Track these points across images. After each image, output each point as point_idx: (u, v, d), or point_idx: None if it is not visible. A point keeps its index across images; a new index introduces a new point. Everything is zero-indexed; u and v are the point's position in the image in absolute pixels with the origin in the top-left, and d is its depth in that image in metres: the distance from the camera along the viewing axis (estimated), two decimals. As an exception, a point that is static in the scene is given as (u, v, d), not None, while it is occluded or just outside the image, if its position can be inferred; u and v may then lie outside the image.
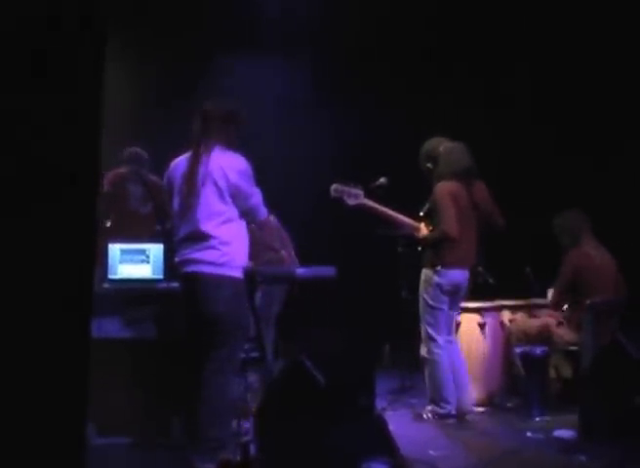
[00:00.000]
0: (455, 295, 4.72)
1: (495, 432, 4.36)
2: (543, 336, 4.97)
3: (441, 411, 4.58)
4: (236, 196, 3.51)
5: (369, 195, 4.67)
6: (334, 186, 4.63)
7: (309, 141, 6.69)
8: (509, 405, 4.96)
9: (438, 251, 4.62)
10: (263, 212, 3.75)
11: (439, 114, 6.34)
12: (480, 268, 5.18)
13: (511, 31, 6.59)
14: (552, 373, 4.98)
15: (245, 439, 3.53)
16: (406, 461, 3.45)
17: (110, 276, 4.23)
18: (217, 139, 3.56)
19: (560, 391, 4.94)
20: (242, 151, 3.63)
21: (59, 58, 1.74)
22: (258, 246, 4.89)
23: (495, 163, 4.83)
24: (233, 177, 3.49)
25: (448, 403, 4.58)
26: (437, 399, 4.61)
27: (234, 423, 3.62)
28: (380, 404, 4.67)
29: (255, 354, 4.08)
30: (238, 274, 3.52)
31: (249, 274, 3.71)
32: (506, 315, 5.22)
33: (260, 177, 3.69)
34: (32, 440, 1.68)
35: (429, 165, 4.81)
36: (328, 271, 3.79)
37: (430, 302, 4.64)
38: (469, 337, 5.08)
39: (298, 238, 5.42)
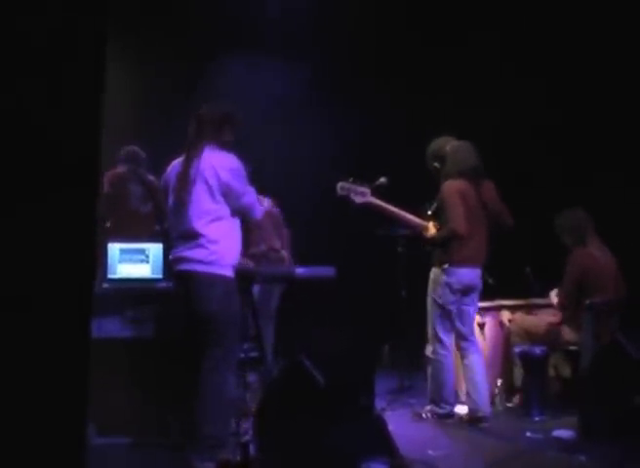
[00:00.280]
0: (467, 294, 4.62)
1: (494, 432, 4.35)
2: (551, 336, 4.96)
3: (440, 412, 4.58)
4: (227, 194, 3.52)
5: (373, 194, 4.63)
6: (340, 184, 4.56)
7: (309, 141, 6.68)
8: (509, 405, 4.96)
9: (447, 249, 4.55)
10: (258, 210, 3.77)
11: (439, 114, 6.34)
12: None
13: (512, 31, 6.59)
14: (552, 373, 4.98)
15: (244, 439, 3.53)
16: (405, 461, 3.45)
17: (110, 276, 4.23)
18: (210, 140, 3.59)
19: (560, 391, 4.93)
20: (242, 151, 3.64)
21: (59, 57, 1.74)
22: (261, 231, 4.91)
23: (494, 163, 4.81)
24: (224, 176, 3.50)
25: (448, 403, 4.58)
26: (437, 399, 4.60)
27: (233, 423, 3.62)
28: (379, 404, 4.68)
29: (254, 354, 4.09)
30: (229, 272, 3.52)
31: (246, 273, 3.72)
32: (506, 315, 5.22)
33: (261, 177, 3.69)
34: (32, 440, 1.68)
35: (436, 164, 4.77)
36: (327, 271, 3.79)
37: (439, 301, 4.57)
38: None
39: (298, 238, 5.43)
